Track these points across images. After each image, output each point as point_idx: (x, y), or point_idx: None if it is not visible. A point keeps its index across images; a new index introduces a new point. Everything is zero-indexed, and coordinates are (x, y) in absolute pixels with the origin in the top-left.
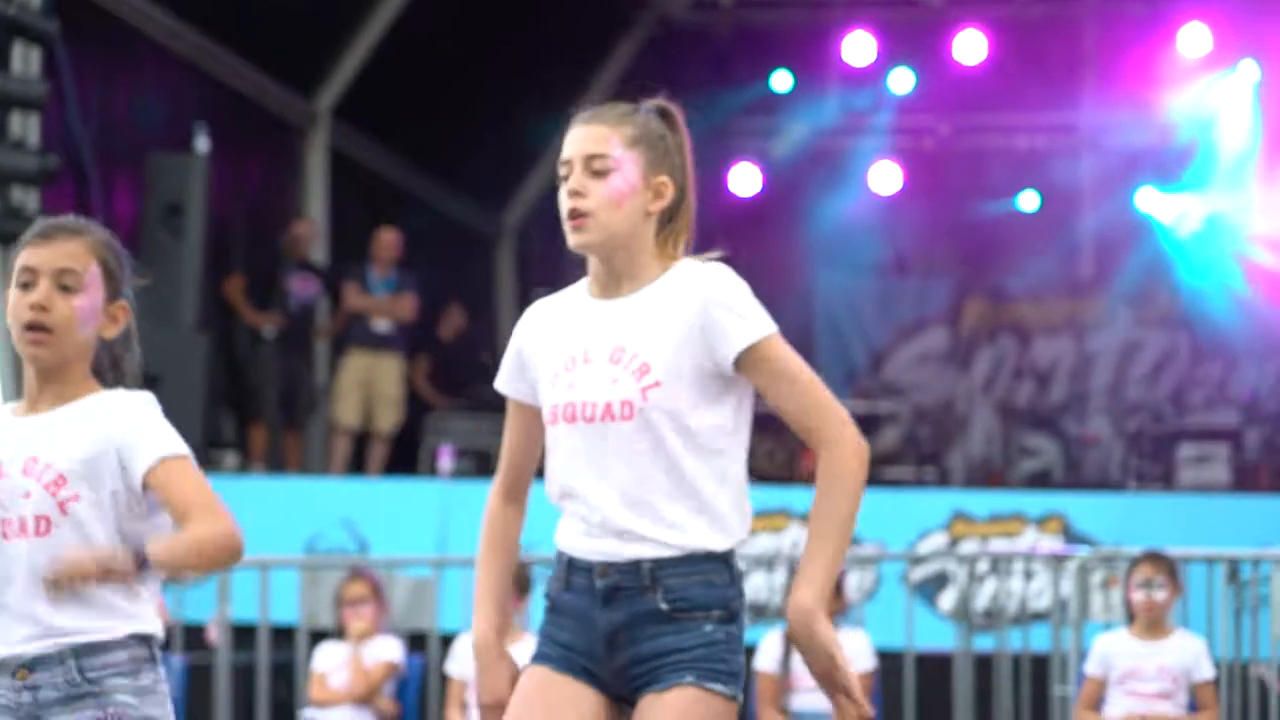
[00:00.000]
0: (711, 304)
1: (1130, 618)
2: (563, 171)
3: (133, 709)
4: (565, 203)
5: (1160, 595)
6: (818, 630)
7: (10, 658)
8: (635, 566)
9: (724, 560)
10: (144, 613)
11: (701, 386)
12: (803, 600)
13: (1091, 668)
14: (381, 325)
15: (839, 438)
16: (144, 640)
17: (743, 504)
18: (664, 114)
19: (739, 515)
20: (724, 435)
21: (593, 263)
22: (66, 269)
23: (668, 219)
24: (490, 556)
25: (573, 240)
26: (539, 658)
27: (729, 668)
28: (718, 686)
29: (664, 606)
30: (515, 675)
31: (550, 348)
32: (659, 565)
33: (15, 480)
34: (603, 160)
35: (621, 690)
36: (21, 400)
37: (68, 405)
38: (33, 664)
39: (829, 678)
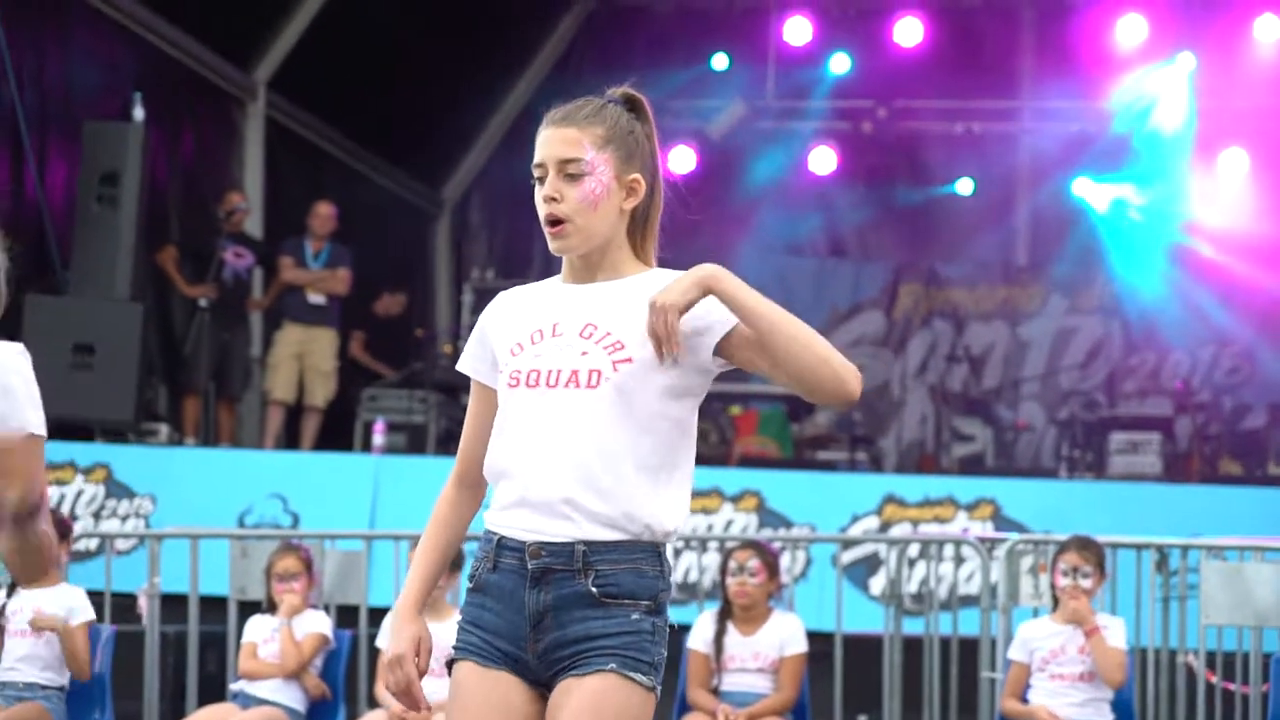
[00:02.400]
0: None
1: (1056, 603)
2: (536, 174)
3: None
4: (542, 208)
5: (1086, 584)
6: (680, 283)
7: None
8: (569, 549)
9: (656, 551)
10: None
11: (667, 377)
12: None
13: (1014, 653)
14: (316, 298)
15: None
16: None
17: (684, 501)
18: (630, 103)
19: (678, 510)
20: (678, 431)
21: (568, 257)
22: None
23: (642, 215)
24: (431, 535)
25: (553, 245)
26: (465, 649)
27: (651, 659)
28: (639, 676)
29: (594, 590)
30: (421, 639)
31: (515, 323)
32: (592, 549)
33: None
34: (576, 164)
35: (542, 675)
36: None
37: None
38: None
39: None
